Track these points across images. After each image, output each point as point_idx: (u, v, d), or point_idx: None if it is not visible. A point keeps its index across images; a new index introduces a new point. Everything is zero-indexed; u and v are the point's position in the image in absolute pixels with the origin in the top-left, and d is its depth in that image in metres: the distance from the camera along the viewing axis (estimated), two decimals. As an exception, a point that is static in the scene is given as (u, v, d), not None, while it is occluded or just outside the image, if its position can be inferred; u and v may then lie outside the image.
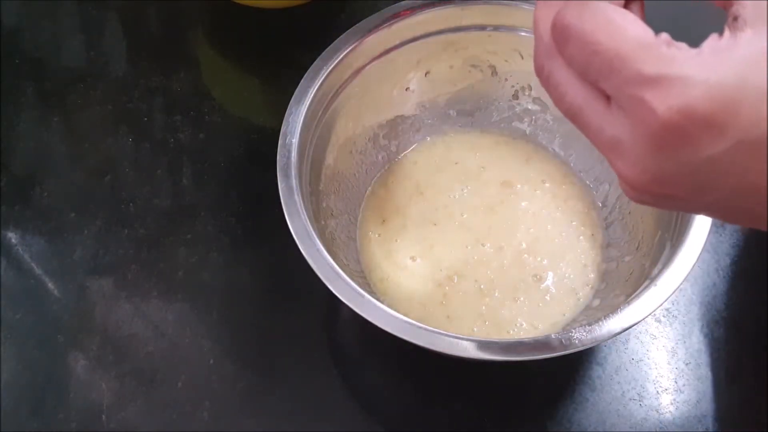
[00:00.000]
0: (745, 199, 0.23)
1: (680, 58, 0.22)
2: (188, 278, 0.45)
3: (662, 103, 0.21)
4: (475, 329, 0.41)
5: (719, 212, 0.25)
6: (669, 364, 0.42)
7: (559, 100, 0.25)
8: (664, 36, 0.22)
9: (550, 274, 0.42)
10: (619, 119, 0.23)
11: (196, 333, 0.43)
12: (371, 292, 0.38)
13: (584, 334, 0.33)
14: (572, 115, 0.25)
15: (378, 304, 0.34)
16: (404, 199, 0.46)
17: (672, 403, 0.41)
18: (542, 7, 0.25)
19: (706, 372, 0.42)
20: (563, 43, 0.24)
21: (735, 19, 0.22)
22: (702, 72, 0.21)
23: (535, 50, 0.26)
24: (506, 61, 0.45)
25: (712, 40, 0.22)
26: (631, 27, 0.22)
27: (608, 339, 0.34)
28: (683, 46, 0.22)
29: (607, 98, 0.24)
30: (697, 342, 0.43)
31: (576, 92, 0.24)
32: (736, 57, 0.21)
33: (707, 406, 0.41)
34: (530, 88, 0.46)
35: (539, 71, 0.26)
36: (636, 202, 0.25)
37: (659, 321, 0.43)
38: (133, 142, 0.50)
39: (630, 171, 0.24)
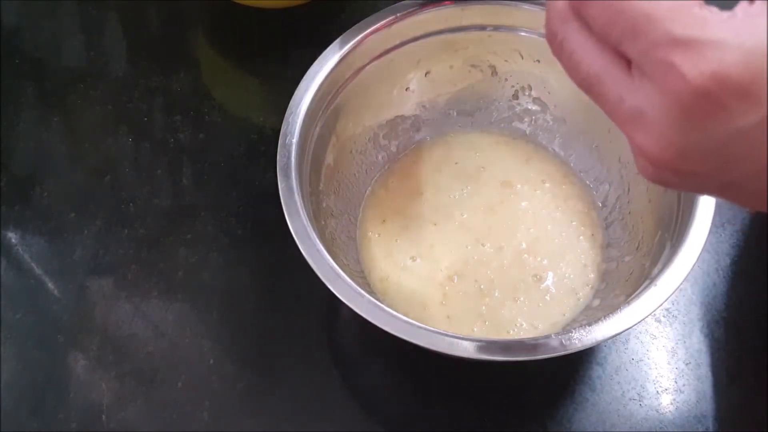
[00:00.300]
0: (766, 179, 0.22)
1: (713, 20, 0.20)
2: (188, 278, 0.45)
3: (694, 67, 0.20)
4: (475, 329, 0.41)
5: (734, 193, 0.23)
6: (669, 364, 0.42)
7: (573, 69, 0.23)
8: None
9: (550, 274, 0.42)
10: (642, 87, 0.21)
11: (196, 333, 0.43)
12: (371, 292, 0.38)
13: (584, 334, 0.33)
14: (588, 85, 0.23)
15: (378, 304, 0.34)
16: (404, 199, 0.46)
17: (672, 403, 0.41)
18: None
19: (706, 372, 0.42)
20: (584, 4, 0.22)
21: None
22: (737, 36, 0.20)
23: (547, 16, 0.24)
24: (506, 61, 0.45)
25: (743, 5, 0.21)
26: None
27: (608, 339, 0.34)
28: (714, 8, 0.21)
29: (628, 65, 0.22)
30: (697, 342, 0.43)
31: (594, 59, 0.23)
32: None
33: (707, 406, 0.41)
34: (530, 88, 0.46)
35: (551, 39, 0.24)
36: (652, 181, 0.23)
37: (659, 321, 0.43)
38: (133, 142, 0.50)
39: (653, 144, 0.22)
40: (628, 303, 0.34)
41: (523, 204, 0.45)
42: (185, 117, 0.51)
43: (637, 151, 0.23)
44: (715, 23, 0.20)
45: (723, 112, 0.20)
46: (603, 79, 0.23)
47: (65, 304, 0.44)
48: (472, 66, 0.46)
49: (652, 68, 0.21)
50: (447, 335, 0.33)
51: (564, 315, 0.41)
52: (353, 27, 0.42)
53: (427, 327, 0.34)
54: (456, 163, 0.47)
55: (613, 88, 0.22)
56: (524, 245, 0.43)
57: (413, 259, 0.43)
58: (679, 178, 0.23)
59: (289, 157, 0.38)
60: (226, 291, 0.45)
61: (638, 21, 0.21)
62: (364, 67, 0.43)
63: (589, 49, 0.23)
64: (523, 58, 0.45)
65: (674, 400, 0.41)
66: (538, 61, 0.45)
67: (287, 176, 0.38)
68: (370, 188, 0.46)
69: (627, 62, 0.22)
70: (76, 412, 0.41)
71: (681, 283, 0.34)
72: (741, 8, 0.21)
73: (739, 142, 0.21)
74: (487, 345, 0.33)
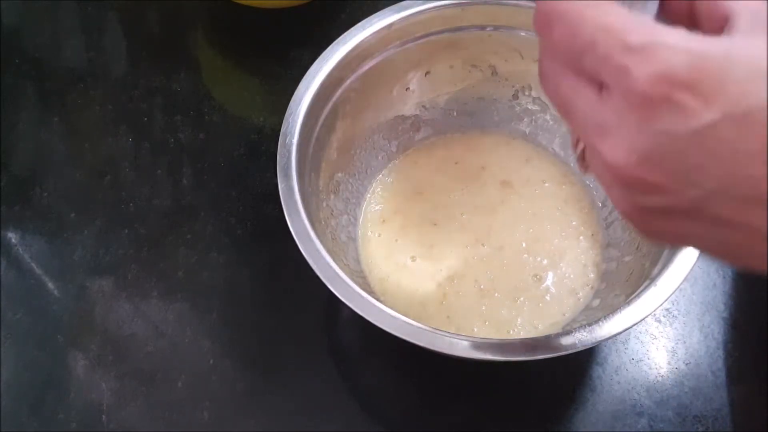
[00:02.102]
0: (736, 200, 0.22)
1: (665, 29, 0.22)
2: (188, 278, 0.45)
3: (645, 69, 0.21)
4: (475, 329, 0.41)
5: (712, 227, 0.23)
6: (669, 364, 0.42)
7: (552, 94, 0.25)
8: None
9: (550, 274, 0.42)
10: (606, 101, 0.23)
11: (196, 333, 0.43)
12: (371, 292, 0.38)
13: (584, 334, 0.33)
14: (564, 107, 0.25)
15: (378, 304, 0.34)
16: (404, 199, 0.46)
17: (672, 403, 0.41)
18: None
19: (706, 372, 0.42)
20: (549, 29, 0.24)
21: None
22: (687, 42, 0.21)
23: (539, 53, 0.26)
24: (506, 61, 0.45)
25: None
26: (615, 3, 0.23)
27: (608, 339, 0.34)
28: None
29: (599, 88, 0.23)
30: (697, 342, 0.43)
31: (567, 82, 0.24)
32: (723, 40, 0.22)
33: (707, 406, 0.41)
34: (530, 88, 0.46)
35: (539, 72, 0.26)
36: (626, 213, 0.24)
37: (659, 321, 0.43)
38: (133, 142, 0.50)
39: (616, 152, 0.23)
40: (628, 303, 0.34)
41: (523, 204, 0.45)
42: (185, 117, 0.51)
43: (604, 166, 0.23)
44: (667, 31, 0.22)
45: (676, 111, 0.21)
46: (574, 100, 0.24)
47: (65, 304, 0.44)
48: (472, 66, 0.46)
49: (610, 77, 0.22)
50: (447, 335, 0.33)
51: (564, 315, 0.41)
52: (353, 27, 0.42)
53: (427, 327, 0.34)
54: (456, 163, 0.47)
55: (582, 106, 0.24)
56: (524, 245, 0.43)
57: (413, 259, 0.43)
58: (648, 194, 0.23)
59: (289, 157, 0.38)
60: (226, 291, 0.45)
61: (597, 35, 0.22)
62: (364, 67, 0.43)
63: (562, 72, 0.24)
64: (523, 58, 0.45)
65: (674, 400, 0.41)
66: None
67: (287, 176, 0.38)
68: (370, 188, 0.46)
69: (598, 85, 0.23)
70: (76, 412, 0.41)
71: (681, 283, 0.34)
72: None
73: (697, 146, 0.21)
74: (487, 345, 0.33)
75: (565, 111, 0.25)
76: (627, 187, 0.23)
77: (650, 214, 0.23)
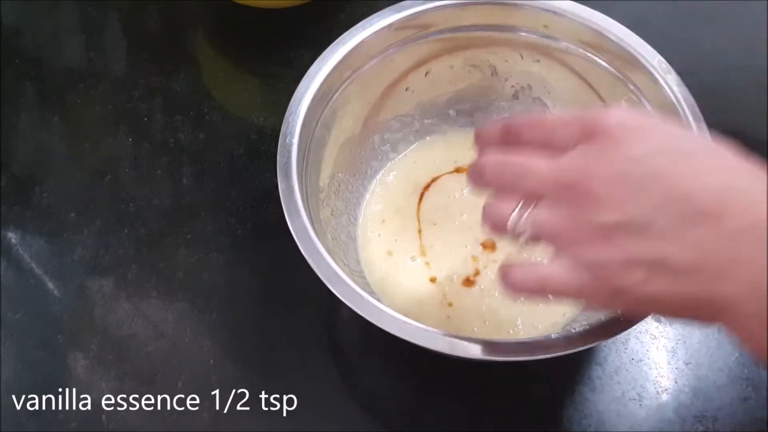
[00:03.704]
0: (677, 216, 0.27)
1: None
2: (188, 278, 0.45)
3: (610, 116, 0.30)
4: (475, 329, 0.41)
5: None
6: (669, 364, 0.42)
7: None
8: None
9: (550, 274, 0.42)
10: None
11: (196, 333, 0.43)
12: (371, 292, 0.38)
13: (584, 334, 0.33)
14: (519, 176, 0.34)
15: (378, 304, 0.34)
16: (404, 199, 0.46)
17: (672, 403, 0.41)
18: None
19: (706, 372, 0.42)
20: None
21: None
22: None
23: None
24: (506, 61, 0.45)
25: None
26: None
27: (608, 339, 0.34)
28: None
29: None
30: (697, 342, 0.43)
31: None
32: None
33: (707, 405, 0.41)
34: (530, 88, 0.46)
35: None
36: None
37: (659, 321, 0.43)
38: (133, 142, 0.50)
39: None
40: (628, 303, 0.34)
41: (523, 204, 0.45)
42: (185, 117, 0.51)
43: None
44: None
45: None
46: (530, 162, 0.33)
47: (65, 304, 0.44)
48: (472, 66, 0.46)
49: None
50: (447, 335, 0.33)
51: (564, 315, 0.41)
52: (353, 27, 0.42)
53: (427, 327, 0.34)
54: (456, 163, 0.47)
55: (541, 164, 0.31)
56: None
57: (413, 259, 0.43)
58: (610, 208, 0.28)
59: (289, 157, 0.38)
60: (226, 291, 0.45)
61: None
62: (364, 67, 0.43)
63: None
64: (523, 58, 0.45)
65: (674, 400, 0.41)
66: (538, 61, 0.45)
67: (287, 176, 0.38)
68: (370, 188, 0.46)
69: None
70: (76, 412, 0.41)
71: (681, 283, 0.34)
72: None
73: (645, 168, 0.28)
74: (487, 345, 0.33)
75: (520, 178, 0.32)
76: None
77: (604, 231, 0.28)
